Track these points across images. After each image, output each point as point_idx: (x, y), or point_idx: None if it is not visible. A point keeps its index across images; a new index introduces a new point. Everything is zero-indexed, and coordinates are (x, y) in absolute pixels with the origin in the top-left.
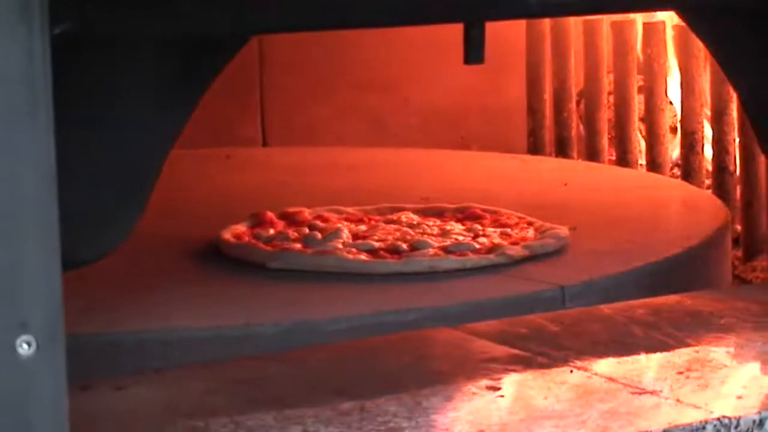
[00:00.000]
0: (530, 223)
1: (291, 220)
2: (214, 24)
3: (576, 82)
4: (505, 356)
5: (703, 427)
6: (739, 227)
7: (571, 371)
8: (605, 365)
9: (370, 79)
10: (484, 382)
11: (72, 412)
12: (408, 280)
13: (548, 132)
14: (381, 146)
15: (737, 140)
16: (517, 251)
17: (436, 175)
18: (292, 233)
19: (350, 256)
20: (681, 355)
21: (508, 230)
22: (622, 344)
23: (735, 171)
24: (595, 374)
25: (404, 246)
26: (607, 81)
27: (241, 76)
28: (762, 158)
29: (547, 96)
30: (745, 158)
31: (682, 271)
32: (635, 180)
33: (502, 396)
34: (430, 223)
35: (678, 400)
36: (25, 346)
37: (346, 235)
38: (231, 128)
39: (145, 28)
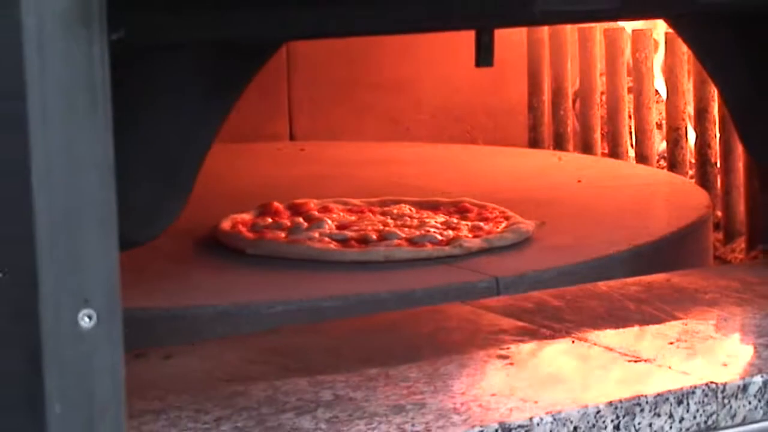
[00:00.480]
0: (507, 218)
1: (296, 210)
2: (252, 30)
3: (572, 83)
4: (512, 328)
5: (693, 392)
6: (719, 213)
7: (573, 342)
8: (603, 336)
9: (386, 80)
10: (495, 351)
11: (126, 377)
12: (369, 269)
13: (547, 128)
14: (395, 141)
15: (718, 135)
16: (474, 243)
17: (461, 171)
18: (285, 222)
19: (317, 245)
20: (671, 327)
21: (481, 224)
22: (618, 318)
23: (716, 163)
24: (595, 344)
25: (374, 236)
26: (600, 82)
27: (270, 77)
28: (740, 151)
29: (546, 96)
30: (725, 151)
31: (660, 254)
32: (648, 176)
33: (512, 364)
34: (417, 216)
35: (670, 368)
36: (86, 319)
37: (328, 225)
38: (262, 125)
39: (190, 35)
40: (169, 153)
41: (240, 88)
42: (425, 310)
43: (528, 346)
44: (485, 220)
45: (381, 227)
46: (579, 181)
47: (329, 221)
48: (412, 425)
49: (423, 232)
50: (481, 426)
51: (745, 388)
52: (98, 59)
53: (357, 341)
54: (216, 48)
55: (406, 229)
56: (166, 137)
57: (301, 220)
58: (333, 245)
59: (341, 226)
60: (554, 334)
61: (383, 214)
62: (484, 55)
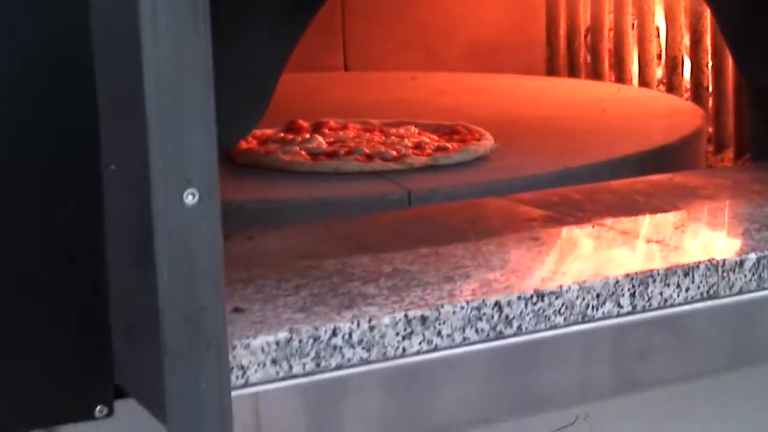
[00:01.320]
0: (479, 139)
1: (317, 127)
2: None
3: (584, 20)
4: (541, 217)
5: (697, 266)
6: (711, 129)
7: (593, 227)
8: (619, 222)
9: (426, 17)
10: (528, 234)
11: None
12: (323, 179)
13: (562, 59)
14: (432, 71)
15: (710, 63)
16: (419, 161)
17: (493, 97)
18: (287, 137)
19: (285, 158)
20: (676, 215)
21: (449, 145)
22: (630, 208)
23: (708, 87)
24: (612, 229)
25: (342, 152)
26: (608, 19)
27: (326, 12)
28: (729, 76)
29: (562, 31)
30: (716, 76)
31: (653, 162)
32: (659, 105)
33: (543, 244)
34: (404, 135)
35: (677, 247)
36: (190, 197)
37: (317, 141)
38: (319, 57)
39: None
40: (251, 69)
41: (312, 13)
42: (467, 203)
43: (556, 230)
44: (463, 141)
45: (364, 143)
46: (603, 111)
47: (320, 138)
48: (460, 291)
49: (389, 150)
50: (518, 292)
51: (741, 263)
52: None
53: (410, 227)
54: None
55: (380, 146)
56: (249, 55)
57: (307, 136)
58: (302, 158)
59: (334, 142)
60: (577, 221)
61: (383, 133)
62: None
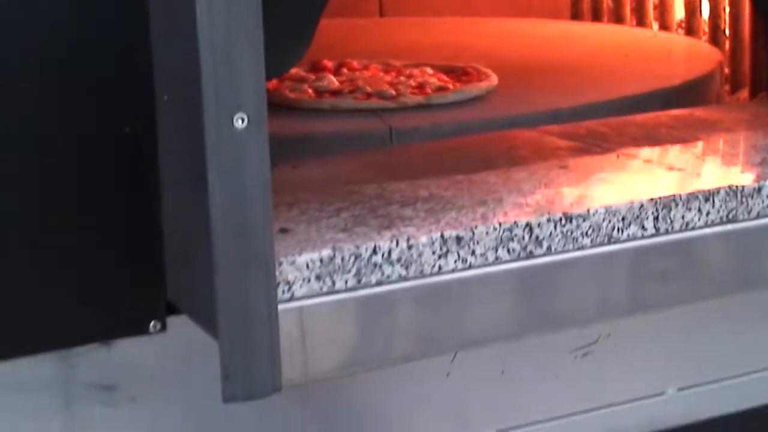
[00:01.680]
0: (482, 80)
1: (339, 67)
2: None
3: None
4: (569, 147)
5: (718, 192)
6: (727, 70)
7: (618, 156)
8: (643, 152)
9: None
10: (556, 163)
11: None
12: (327, 116)
13: (586, 4)
14: (464, 16)
15: (727, 9)
16: (413, 100)
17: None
18: (306, 76)
19: (292, 95)
20: (697, 146)
21: (449, 85)
22: (654, 139)
23: (725, 30)
24: (636, 158)
25: (346, 90)
26: None
27: None
28: (745, 20)
29: None
30: (733, 20)
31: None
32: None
33: (570, 172)
34: (414, 76)
35: (698, 174)
36: (240, 121)
37: (328, 80)
38: (355, 3)
39: None
40: (294, 10)
41: None
42: (498, 134)
43: (583, 159)
44: (468, 82)
45: (371, 83)
46: (626, 56)
47: (331, 77)
48: (493, 213)
49: (390, 89)
50: (548, 214)
51: (759, 189)
52: None
53: (445, 157)
54: None
55: (384, 86)
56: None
57: (325, 74)
58: (307, 96)
59: (344, 81)
60: (603, 152)
61: (398, 74)
62: None
